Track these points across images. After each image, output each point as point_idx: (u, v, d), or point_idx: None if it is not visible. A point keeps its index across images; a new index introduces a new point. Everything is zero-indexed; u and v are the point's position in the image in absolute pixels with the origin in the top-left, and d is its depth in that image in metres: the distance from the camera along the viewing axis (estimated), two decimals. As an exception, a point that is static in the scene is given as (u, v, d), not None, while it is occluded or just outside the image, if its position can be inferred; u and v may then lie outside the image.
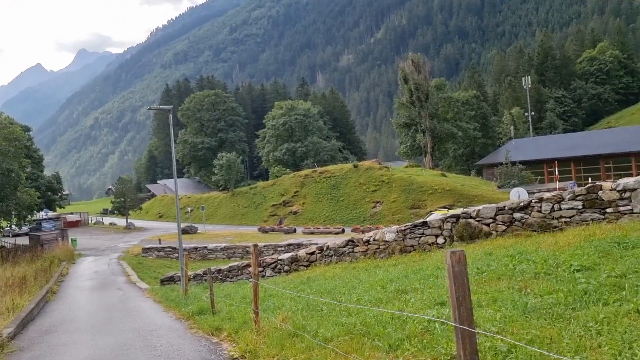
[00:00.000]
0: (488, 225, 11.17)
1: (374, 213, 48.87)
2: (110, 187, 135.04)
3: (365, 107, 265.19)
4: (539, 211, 10.54)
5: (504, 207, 10.99)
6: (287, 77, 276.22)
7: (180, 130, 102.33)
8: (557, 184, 43.09)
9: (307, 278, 12.12)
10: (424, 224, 12.09)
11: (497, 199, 46.13)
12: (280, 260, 14.86)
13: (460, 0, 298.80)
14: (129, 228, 58.67)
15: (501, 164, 64.95)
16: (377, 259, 12.65)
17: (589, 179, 60.44)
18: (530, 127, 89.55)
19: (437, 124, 60.77)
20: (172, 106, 14.58)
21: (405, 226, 12.48)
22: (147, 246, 33.52)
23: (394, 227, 12.81)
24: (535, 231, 10.49)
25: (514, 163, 56.35)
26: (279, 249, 29.78)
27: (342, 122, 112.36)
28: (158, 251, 31.94)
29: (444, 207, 45.86)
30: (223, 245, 31.18)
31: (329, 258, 13.87)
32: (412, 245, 12.26)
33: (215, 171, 67.15)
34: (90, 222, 71.09)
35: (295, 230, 45.05)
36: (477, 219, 11.30)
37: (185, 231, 47.25)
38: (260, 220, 55.61)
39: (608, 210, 9.80)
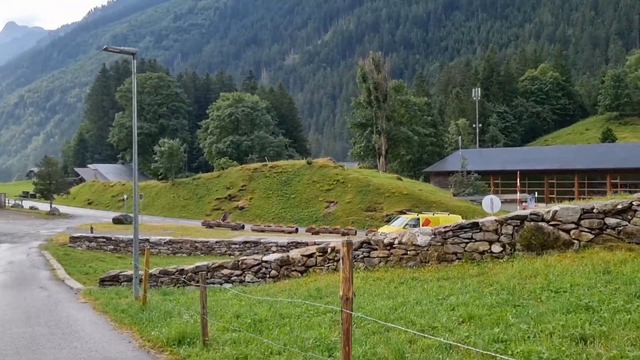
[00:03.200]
0: (568, 232, 8.47)
1: (328, 213, 46.08)
2: (32, 169, 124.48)
3: (309, 108, 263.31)
4: (644, 217, 7.96)
5: (592, 208, 8.33)
6: (231, 71, 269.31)
7: (117, 113, 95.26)
8: (518, 195, 42.13)
9: (316, 290, 8.95)
10: (475, 225, 9.24)
11: (456, 206, 44.69)
12: (266, 262, 11.56)
13: (407, 12, 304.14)
14: (52, 214, 52.57)
15: (450, 172, 64.40)
16: (404, 268, 9.67)
17: (535, 193, 60.74)
18: (477, 138, 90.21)
19: (394, 126, 58.95)
20: (137, 50, 11.05)
21: (446, 227, 9.58)
22: (76, 235, 28.89)
23: (428, 228, 9.89)
24: (639, 243, 7.90)
25: (469, 172, 55.47)
26: (233, 246, 26.27)
27: (289, 119, 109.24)
28: (89, 241, 27.43)
29: (401, 212, 43.79)
30: (168, 238, 27.20)
31: (334, 263, 10.74)
32: (455, 253, 9.38)
33: (156, 158, 61.90)
34: (7, 204, 63.69)
35: (243, 227, 41.40)
36: (553, 222, 8.58)
37: (119, 221, 42.37)
38: (202, 214, 51.40)
39: None
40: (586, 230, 8.33)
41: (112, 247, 27.11)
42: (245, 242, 26.38)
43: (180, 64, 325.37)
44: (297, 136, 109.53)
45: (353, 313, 3.78)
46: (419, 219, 29.26)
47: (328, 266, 10.78)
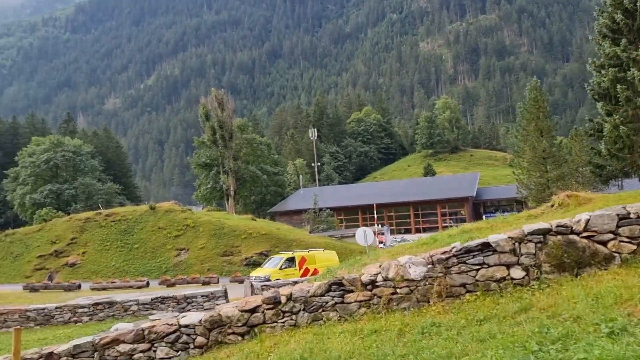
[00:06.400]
0: (605, 244, 6.93)
1: (179, 262, 41.38)
2: None
3: (134, 154, 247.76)
4: (692, 218, 6.75)
5: (629, 213, 6.91)
6: (42, 116, 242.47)
7: None
8: (376, 228, 42.48)
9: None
10: (485, 246, 7.23)
11: (315, 243, 43.47)
12: (186, 326, 8.12)
13: (233, 59, 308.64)
14: None
15: (294, 211, 64.27)
16: (398, 312, 7.24)
17: (377, 225, 62.97)
18: (316, 177, 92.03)
19: (241, 166, 56.49)
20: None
21: (446, 252, 7.42)
22: None
23: (419, 257, 7.63)
24: (689, 250, 6.63)
25: (320, 209, 55.22)
26: (81, 310, 21.06)
27: (117, 165, 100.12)
28: None
29: (261, 254, 41.13)
30: (-15, 311, 20.77)
31: (292, 317, 7.83)
32: (464, 285, 7.25)
33: (-48, 213, 50.47)
34: None
35: (79, 286, 34.75)
36: (585, 234, 6.97)
37: None
38: (21, 276, 42.57)
39: None
40: (626, 240, 6.87)
41: None
42: (97, 305, 21.34)
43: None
44: (127, 182, 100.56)
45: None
46: (294, 257, 27.16)
47: (284, 322, 7.81)
